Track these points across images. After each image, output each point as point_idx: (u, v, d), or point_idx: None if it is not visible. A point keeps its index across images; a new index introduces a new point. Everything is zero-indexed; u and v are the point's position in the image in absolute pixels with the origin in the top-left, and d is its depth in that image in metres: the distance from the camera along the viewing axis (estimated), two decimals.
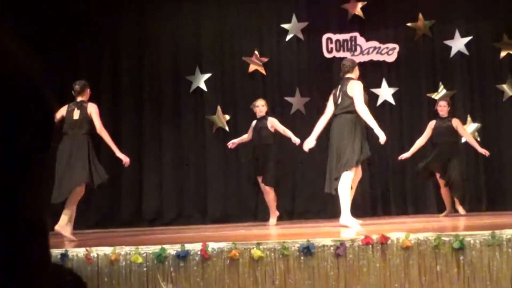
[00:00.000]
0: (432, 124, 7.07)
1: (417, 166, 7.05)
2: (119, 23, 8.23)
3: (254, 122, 7.06)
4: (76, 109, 5.73)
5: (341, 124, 5.49)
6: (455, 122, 7.02)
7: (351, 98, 5.49)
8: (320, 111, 7.92)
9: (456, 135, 7.10)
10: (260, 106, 7.00)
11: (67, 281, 0.74)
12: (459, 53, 7.93)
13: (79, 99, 5.81)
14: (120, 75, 8.12)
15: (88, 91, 5.85)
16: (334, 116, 5.61)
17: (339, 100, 5.54)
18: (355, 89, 5.49)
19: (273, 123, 6.98)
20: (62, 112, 5.73)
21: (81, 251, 4.08)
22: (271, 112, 8.23)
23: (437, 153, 6.92)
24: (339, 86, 5.64)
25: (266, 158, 6.84)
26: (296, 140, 6.64)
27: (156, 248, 4.02)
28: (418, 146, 7.05)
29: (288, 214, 7.78)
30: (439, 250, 3.89)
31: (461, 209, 7.00)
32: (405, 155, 7.04)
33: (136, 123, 7.91)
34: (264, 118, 6.99)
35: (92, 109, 5.72)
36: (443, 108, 7.07)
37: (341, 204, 5.38)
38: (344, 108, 5.51)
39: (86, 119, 5.68)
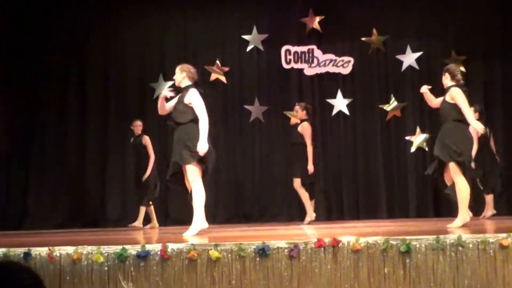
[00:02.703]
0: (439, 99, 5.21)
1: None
2: (86, 33, 8.25)
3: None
4: (135, 143, 7.49)
5: None
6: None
7: None
8: (278, 119, 8.20)
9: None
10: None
11: (24, 278, 0.77)
12: (410, 67, 8.17)
13: (136, 133, 7.51)
14: (87, 83, 8.19)
15: (142, 128, 7.48)
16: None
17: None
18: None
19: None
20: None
21: (43, 250, 4.02)
22: (230, 120, 8.41)
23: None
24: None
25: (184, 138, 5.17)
26: None
27: (117, 248, 3.99)
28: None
29: (246, 218, 7.95)
30: (387, 253, 3.89)
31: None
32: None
33: (101, 127, 7.94)
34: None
35: (146, 141, 7.44)
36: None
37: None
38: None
39: (143, 148, 7.38)
